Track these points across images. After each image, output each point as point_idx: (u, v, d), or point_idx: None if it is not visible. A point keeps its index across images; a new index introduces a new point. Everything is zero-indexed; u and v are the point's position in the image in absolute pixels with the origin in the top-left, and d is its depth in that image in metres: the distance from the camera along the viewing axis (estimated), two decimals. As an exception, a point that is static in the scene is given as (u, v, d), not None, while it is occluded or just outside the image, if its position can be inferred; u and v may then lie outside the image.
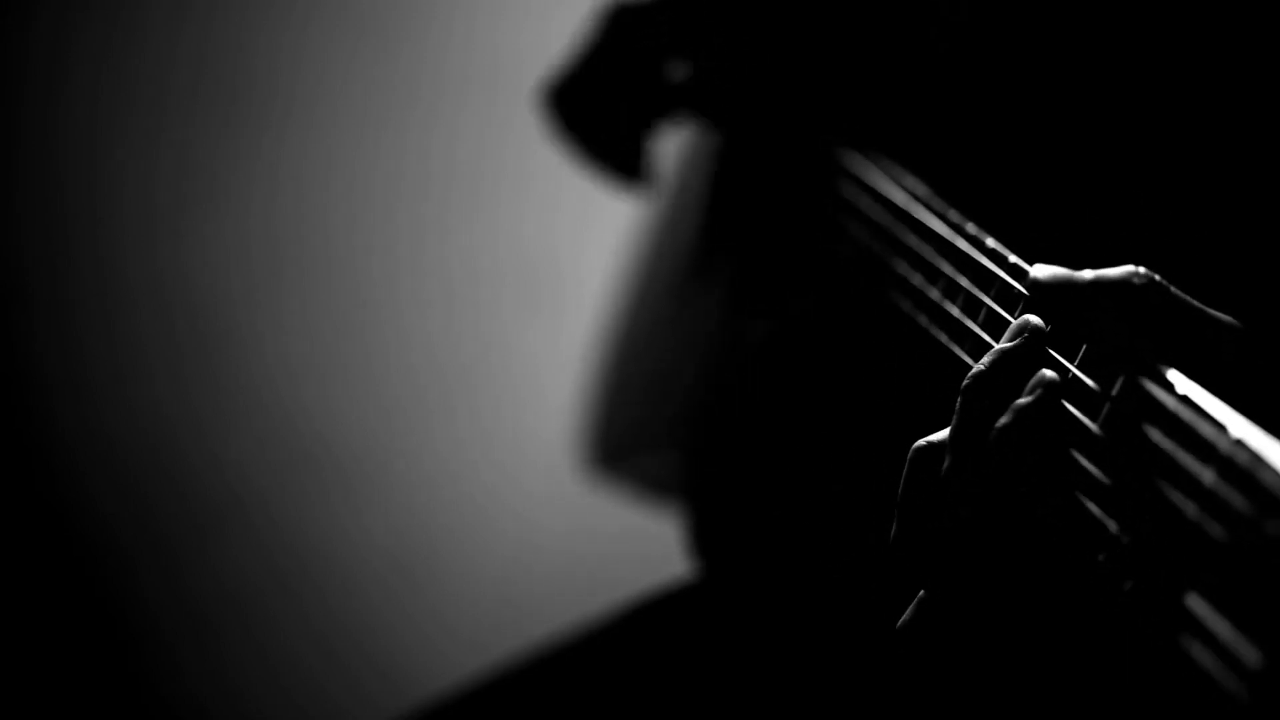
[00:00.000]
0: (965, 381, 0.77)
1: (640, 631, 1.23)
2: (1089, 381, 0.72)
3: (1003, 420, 0.74)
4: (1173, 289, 0.73)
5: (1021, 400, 0.74)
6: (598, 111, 1.31)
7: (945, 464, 0.76)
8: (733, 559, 1.20)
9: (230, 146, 2.40)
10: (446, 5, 2.43)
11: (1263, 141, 0.93)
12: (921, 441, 0.78)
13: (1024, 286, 0.80)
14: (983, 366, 0.77)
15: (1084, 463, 0.71)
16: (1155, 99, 0.97)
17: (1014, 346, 0.77)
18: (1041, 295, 0.77)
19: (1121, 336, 0.72)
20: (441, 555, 2.44)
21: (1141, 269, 0.74)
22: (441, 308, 2.46)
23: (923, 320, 0.90)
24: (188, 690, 2.37)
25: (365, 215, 2.45)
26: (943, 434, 0.78)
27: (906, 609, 0.78)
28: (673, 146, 1.44)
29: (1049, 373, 0.75)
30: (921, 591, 0.78)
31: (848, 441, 1.08)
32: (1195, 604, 0.62)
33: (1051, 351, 0.76)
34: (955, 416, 0.77)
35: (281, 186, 2.42)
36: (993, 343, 0.81)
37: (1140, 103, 0.97)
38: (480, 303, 2.46)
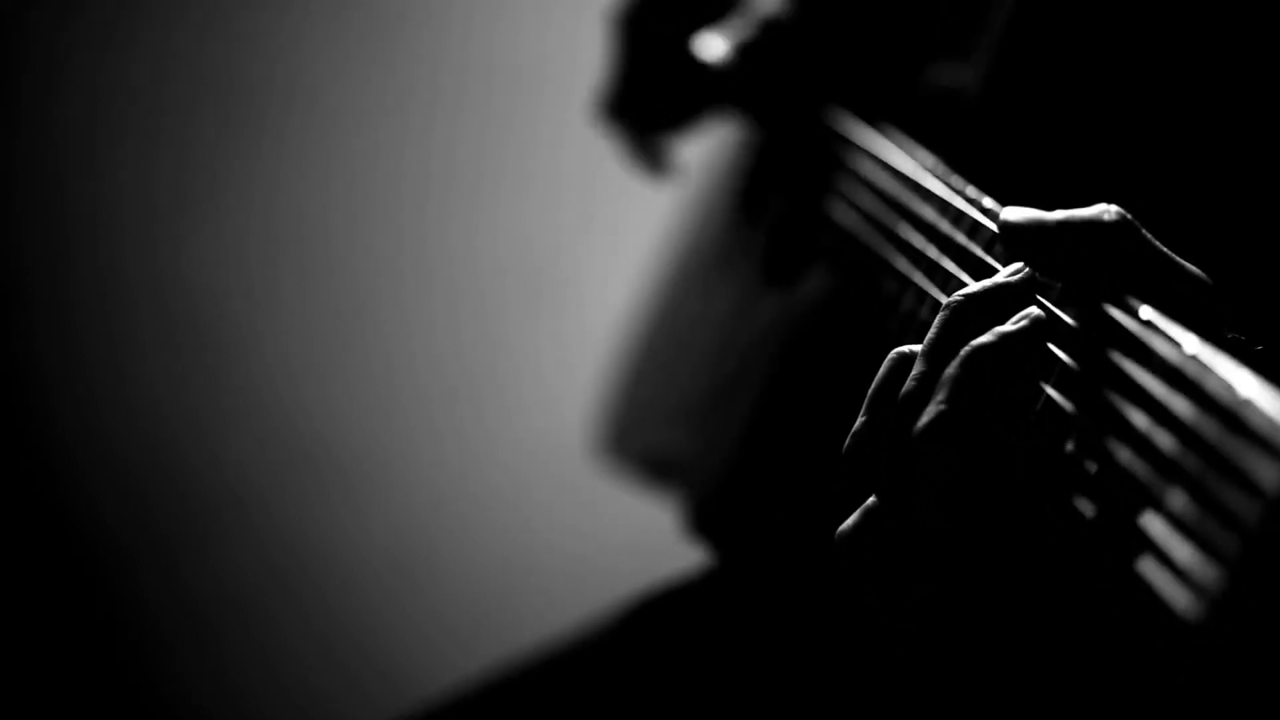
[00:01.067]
0: (953, 298, 0.77)
1: (639, 630, 1.23)
2: (1064, 317, 0.73)
3: (983, 339, 0.74)
4: (1143, 231, 0.73)
5: (1007, 327, 0.74)
6: (654, 109, 1.35)
7: (915, 370, 0.76)
8: (732, 548, 1.20)
9: (230, 146, 2.40)
10: (446, 5, 2.43)
11: (1262, 132, 0.93)
12: (904, 348, 0.78)
13: (996, 228, 0.80)
14: (975, 289, 0.76)
15: (1050, 392, 0.71)
16: (1155, 95, 0.97)
17: (1010, 281, 0.77)
18: (1012, 237, 0.77)
19: (1089, 272, 0.72)
20: (441, 555, 2.44)
21: (1113, 207, 0.74)
22: (443, 308, 2.46)
23: (919, 278, 0.90)
24: (188, 690, 2.37)
25: (365, 215, 2.45)
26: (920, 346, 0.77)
27: (851, 515, 0.76)
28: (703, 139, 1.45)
29: (1037, 310, 0.74)
30: (871, 498, 0.76)
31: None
32: (1153, 525, 0.62)
33: (1038, 297, 0.76)
34: (933, 329, 0.76)
35: (281, 186, 2.42)
36: None
37: (1140, 100, 0.97)
38: (482, 303, 2.46)
